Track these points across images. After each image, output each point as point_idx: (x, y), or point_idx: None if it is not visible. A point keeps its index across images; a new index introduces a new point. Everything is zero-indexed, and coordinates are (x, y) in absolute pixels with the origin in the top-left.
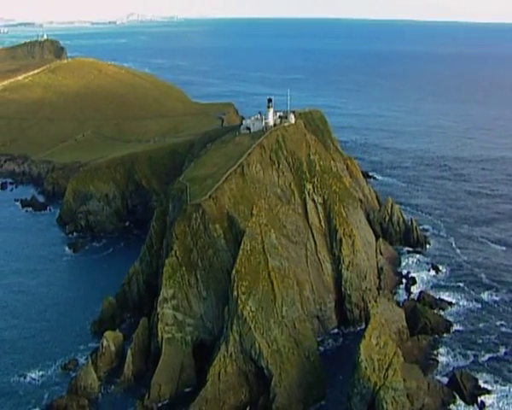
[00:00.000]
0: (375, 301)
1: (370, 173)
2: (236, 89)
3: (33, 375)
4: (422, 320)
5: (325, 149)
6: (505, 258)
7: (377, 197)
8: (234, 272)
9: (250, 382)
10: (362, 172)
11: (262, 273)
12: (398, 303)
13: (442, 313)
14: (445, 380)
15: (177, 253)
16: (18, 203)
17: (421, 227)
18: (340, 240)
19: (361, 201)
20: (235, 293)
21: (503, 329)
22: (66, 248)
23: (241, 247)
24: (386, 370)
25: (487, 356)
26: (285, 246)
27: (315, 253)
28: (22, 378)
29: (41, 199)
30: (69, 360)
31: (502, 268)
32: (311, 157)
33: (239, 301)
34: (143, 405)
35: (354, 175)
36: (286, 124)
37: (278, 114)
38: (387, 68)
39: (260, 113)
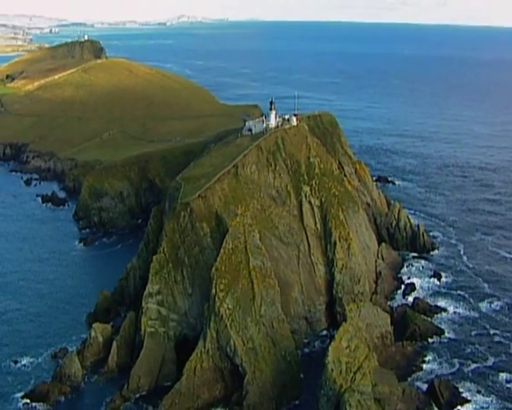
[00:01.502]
0: (357, 305)
1: (390, 178)
2: (272, 91)
3: (24, 361)
4: (411, 326)
5: (332, 152)
6: None
7: (387, 202)
8: (213, 269)
9: (226, 378)
10: (381, 177)
11: (242, 272)
12: (391, 308)
13: (435, 319)
14: (425, 387)
15: (165, 250)
16: (39, 198)
17: (431, 234)
18: (335, 243)
19: (368, 205)
20: (214, 290)
21: (496, 339)
22: (77, 243)
23: (223, 245)
24: (355, 373)
25: (474, 366)
26: (275, 247)
27: (308, 255)
28: (13, 364)
29: (62, 195)
30: (59, 348)
31: (507, 278)
32: (311, 160)
33: (216, 299)
34: (121, 395)
35: (362, 179)
36: (287, 126)
37: (287, 116)
38: (429, 73)
39: (263, 115)
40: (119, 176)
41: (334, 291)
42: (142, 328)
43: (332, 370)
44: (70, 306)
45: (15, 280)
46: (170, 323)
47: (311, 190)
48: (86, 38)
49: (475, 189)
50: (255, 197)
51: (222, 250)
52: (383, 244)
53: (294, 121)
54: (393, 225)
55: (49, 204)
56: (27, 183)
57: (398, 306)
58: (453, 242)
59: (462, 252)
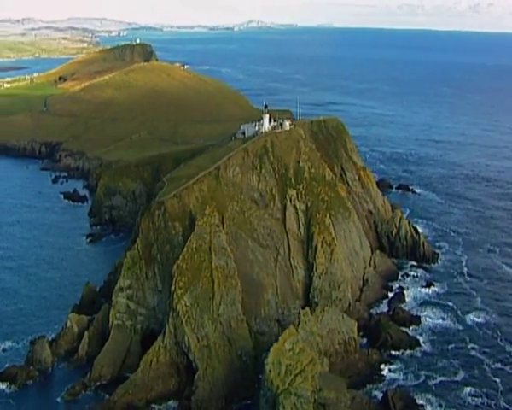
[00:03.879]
0: (313, 310)
1: (412, 187)
2: (317, 98)
3: (5, 346)
4: (383, 335)
5: (335, 158)
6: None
7: (392, 210)
8: (175, 267)
9: (181, 373)
10: (402, 185)
11: (204, 271)
12: (370, 316)
13: (414, 330)
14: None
15: (139, 246)
16: (61, 196)
17: (438, 244)
18: (316, 247)
19: (371, 212)
20: (173, 287)
21: (472, 353)
22: (84, 238)
23: (187, 244)
24: (295, 376)
25: (441, 379)
26: (251, 249)
27: (287, 258)
28: None
29: (84, 193)
30: (39, 335)
31: (502, 294)
32: (301, 164)
33: (175, 296)
34: (83, 382)
35: (366, 186)
36: (278, 130)
37: (280, 120)
38: (485, 83)
39: (258, 120)
40: (132, 176)
41: (310, 296)
42: (110, 320)
43: (270, 371)
44: (61, 297)
45: (14, 268)
46: (138, 317)
47: (297, 194)
48: (138, 41)
49: (497, 203)
50: (235, 199)
51: (185, 249)
52: (377, 252)
53: (287, 126)
54: (394, 233)
55: (70, 201)
56: (55, 180)
57: (377, 314)
58: (458, 253)
59: (463, 264)
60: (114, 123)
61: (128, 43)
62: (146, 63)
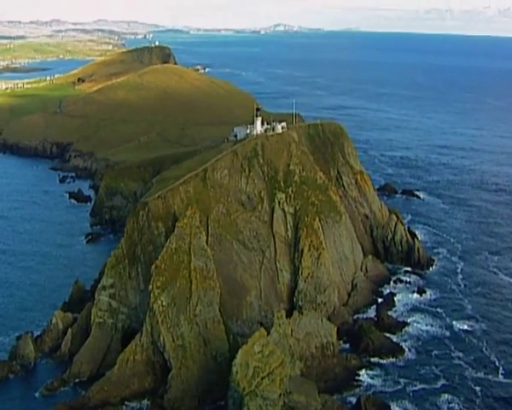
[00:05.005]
0: (285, 312)
1: (416, 192)
2: (334, 101)
3: None
4: (365, 340)
5: (331, 161)
6: (506, 292)
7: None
8: (153, 267)
9: (156, 372)
10: (406, 191)
11: (182, 272)
12: (354, 321)
13: (399, 336)
14: None
15: (124, 246)
16: (67, 195)
17: (436, 250)
18: (302, 251)
19: (366, 216)
20: (150, 287)
21: (456, 361)
22: (83, 238)
23: (166, 244)
24: (263, 378)
25: (420, 386)
26: (236, 251)
27: (273, 261)
28: None
29: (89, 193)
30: (26, 331)
31: (495, 301)
32: (291, 167)
33: (152, 295)
34: (61, 378)
35: (362, 190)
36: (270, 133)
37: (282, 124)
38: (507, 88)
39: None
40: (133, 176)
41: (294, 299)
42: (92, 318)
43: (237, 372)
44: (53, 294)
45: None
46: (119, 316)
47: (286, 197)
48: (157, 43)
49: (503, 211)
50: (221, 201)
51: (164, 249)
52: (369, 257)
53: (279, 129)
54: (389, 238)
55: (74, 200)
56: (62, 180)
57: (362, 319)
58: (454, 259)
59: (458, 271)
60: (124, 124)
61: (147, 45)
62: (159, 65)
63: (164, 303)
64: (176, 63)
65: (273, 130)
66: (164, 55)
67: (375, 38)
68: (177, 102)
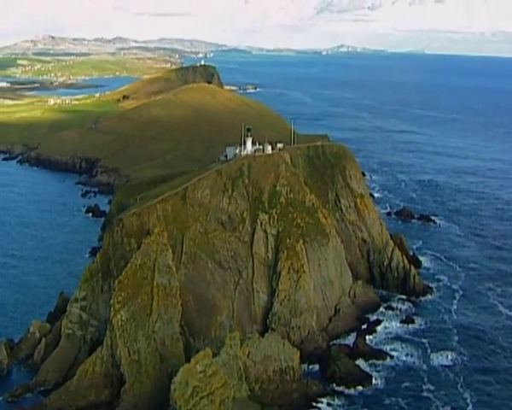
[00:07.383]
0: (239, 334)
1: (433, 218)
2: (377, 124)
3: None
4: (332, 367)
5: (330, 184)
6: (499, 326)
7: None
8: (116, 282)
9: (114, 385)
10: (423, 216)
11: (145, 288)
12: (328, 346)
13: (372, 365)
14: None
15: (99, 260)
16: (84, 209)
17: (438, 277)
18: (280, 273)
19: (364, 241)
20: (112, 301)
21: (425, 394)
22: (88, 251)
23: (131, 260)
24: (201, 398)
25: None
26: (210, 270)
27: (250, 282)
28: None
29: (107, 208)
30: (6, 338)
31: (484, 334)
32: (277, 188)
33: (112, 309)
34: (27, 385)
35: (361, 213)
36: (258, 154)
37: (279, 145)
38: None
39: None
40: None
41: (268, 321)
42: (62, 329)
43: (175, 390)
44: (46, 305)
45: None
46: (89, 328)
47: (269, 218)
48: (203, 62)
49: None
50: (199, 220)
51: (129, 265)
52: (359, 282)
53: (269, 149)
54: (385, 263)
55: (90, 215)
56: (84, 195)
57: (337, 345)
58: (454, 288)
59: (455, 300)
60: (153, 141)
61: (192, 64)
62: (195, 84)
63: (123, 318)
64: (221, 83)
65: (263, 151)
66: (208, 74)
67: (437, 61)
68: (206, 120)
